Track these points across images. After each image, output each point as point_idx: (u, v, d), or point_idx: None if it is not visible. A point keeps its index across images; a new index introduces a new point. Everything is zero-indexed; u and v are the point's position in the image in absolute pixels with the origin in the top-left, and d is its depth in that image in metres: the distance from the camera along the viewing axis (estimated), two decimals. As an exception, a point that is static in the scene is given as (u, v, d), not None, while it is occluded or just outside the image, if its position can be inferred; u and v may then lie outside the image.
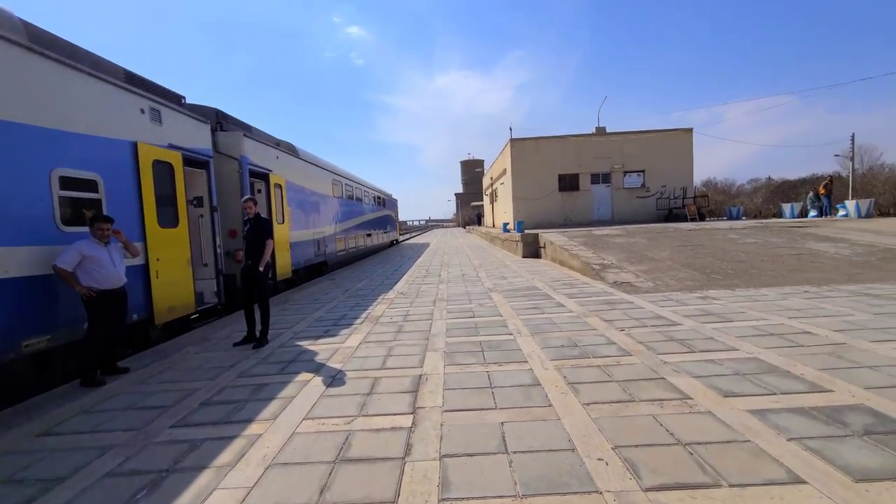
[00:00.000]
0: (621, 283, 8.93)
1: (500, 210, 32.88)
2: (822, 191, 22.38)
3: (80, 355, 4.79)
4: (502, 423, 3.17)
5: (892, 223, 16.52)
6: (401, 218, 48.73)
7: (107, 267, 4.66)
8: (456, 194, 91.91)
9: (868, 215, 19.69)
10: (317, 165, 14.70)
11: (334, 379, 4.31)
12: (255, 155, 10.02)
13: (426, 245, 29.04)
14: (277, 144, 12.00)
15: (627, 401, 3.43)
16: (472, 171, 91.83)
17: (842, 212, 20.94)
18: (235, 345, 5.87)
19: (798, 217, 23.06)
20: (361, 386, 4.08)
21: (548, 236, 15.37)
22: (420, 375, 4.27)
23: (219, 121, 9.46)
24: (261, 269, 5.68)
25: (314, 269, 14.35)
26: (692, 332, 5.26)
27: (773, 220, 23.03)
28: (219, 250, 8.33)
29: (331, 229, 15.78)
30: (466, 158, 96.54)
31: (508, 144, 26.76)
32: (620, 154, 25.74)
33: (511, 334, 5.64)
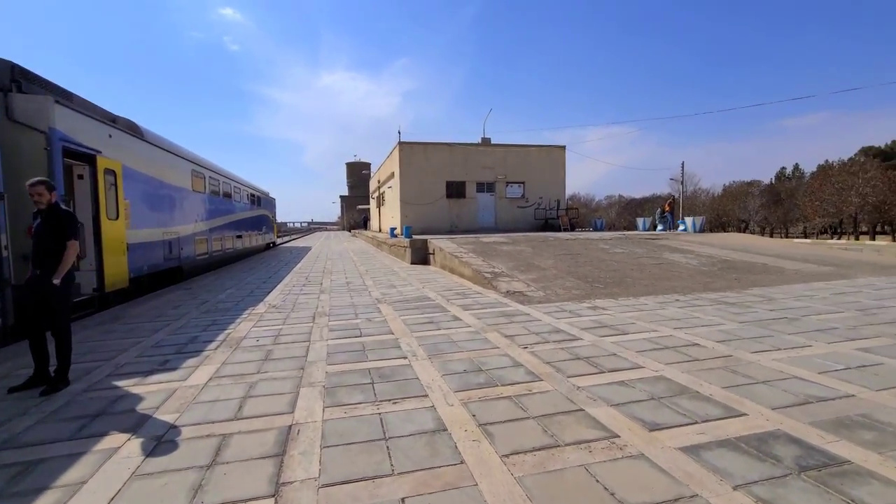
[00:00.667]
0: (513, 292, 8.73)
1: (388, 214, 32.02)
2: (667, 208, 25.94)
3: None
4: (403, 499, 2.34)
5: (719, 237, 19.59)
6: (281, 219, 44.86)
7: None
8: (341, 197, 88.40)
9: (701, 230, 23.22)
10: (170, 152, 12.26)
11: (160, 442, 3.03)
12: (75, 129, 7.72)
13: (307, 249, 26.85)
14: (113, 121, 9.60)
15: (552, 446, 2.85)
16: (359, 174, 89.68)
17: (682, 226, 24.40)
18: (13, 390, 4.08)
19: (648, 230, 26.36)
20: (201, 451, 2.89)
21: (437, 242, 14.96)
22: (290, 426, 3.22)
23: (15, 79, 7.04)
24: (55, 281, 4.02)
25: (164, 277, 11.87)
26: (594, 347, 5.03)
27: (630, 231, 25.98)
28: (5, 253, 6.09)
29: (189, 229, 13.32)
30: (353, 160, 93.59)
31: (397, 147, 26.10)
32: (504, 165, 26.79)
33: (406, 357, 4.83)
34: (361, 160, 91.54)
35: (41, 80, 7.63)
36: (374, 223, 43.15)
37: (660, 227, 25.61)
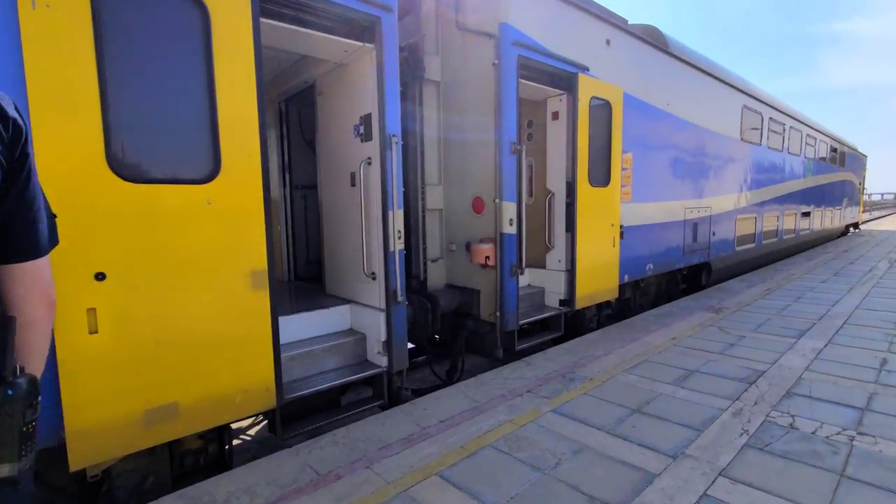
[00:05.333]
0: None
1: None
2: None
3: None
4: None
5: None
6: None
7: None
8: (983, 148, 52.90)
9: None
10: (706, 73, 7.42)
11: None
12: (541, 27, 4.39)
13: (936, 237, 14.88)
14: (624, 22, 5.82)
15: None
16: None
17: None
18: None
19: None
20: None
21: None
22: None
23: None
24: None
25: (683, 280, 7.53)
26: None
27: None
28: (424, 247, 3.45)
29: (726, 202, 8.19)
30: None
31: None
32: None
33: None
34: None
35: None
36: None
37: None
